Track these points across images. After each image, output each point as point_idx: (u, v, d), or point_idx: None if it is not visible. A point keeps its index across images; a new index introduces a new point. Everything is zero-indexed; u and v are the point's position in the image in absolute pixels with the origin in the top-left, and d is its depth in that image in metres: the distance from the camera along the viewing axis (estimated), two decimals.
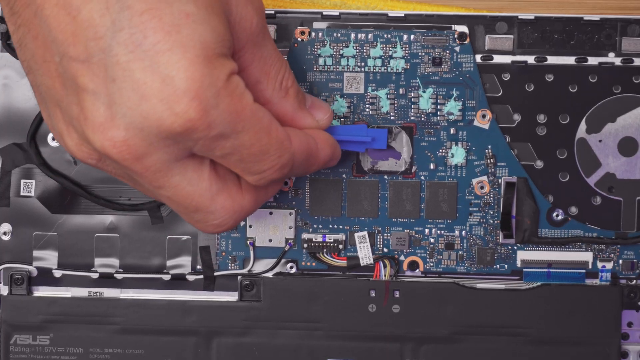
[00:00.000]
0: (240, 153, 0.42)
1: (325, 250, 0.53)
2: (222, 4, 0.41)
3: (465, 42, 0.53)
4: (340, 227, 0.53)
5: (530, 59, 0.53)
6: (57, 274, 0.54)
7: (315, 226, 0.53)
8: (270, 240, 0.53)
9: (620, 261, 0.54)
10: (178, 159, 0.41)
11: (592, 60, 0.53)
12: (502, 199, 0.53)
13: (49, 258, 0.54)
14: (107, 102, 0.39)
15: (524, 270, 0.53)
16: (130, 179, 0.43)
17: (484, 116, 0.53)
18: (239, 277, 0.53)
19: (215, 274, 0.54)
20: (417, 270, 0.54)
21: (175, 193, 0.43)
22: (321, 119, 0.47)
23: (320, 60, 0.53)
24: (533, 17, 0.53)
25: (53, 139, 0.53)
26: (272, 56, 0.45)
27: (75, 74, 0.40)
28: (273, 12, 0.53)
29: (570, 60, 0.53)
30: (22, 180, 0.54)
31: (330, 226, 0.53)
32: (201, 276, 0.54)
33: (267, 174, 0.43)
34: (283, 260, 0.54)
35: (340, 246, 0.53)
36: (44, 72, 0.41)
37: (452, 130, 0.53)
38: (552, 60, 0.53)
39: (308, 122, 0.47)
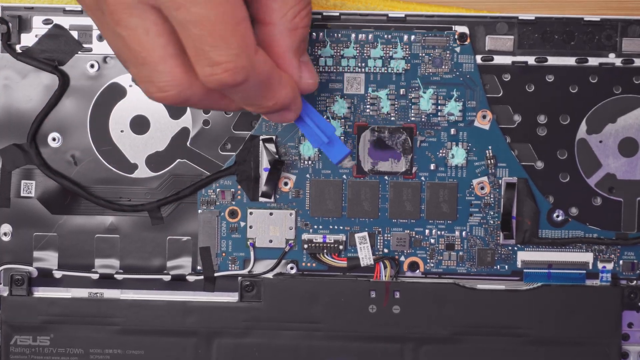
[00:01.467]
0: (201, 25, 0.40)
1: (325, 251, 0.53)
2: None
3: (466, 42, 0.53)
4: (341, 227, 0.53)
5: (531, 60, 0.53)
6: (58, 274, 0.54)
7: (315, 227, 0.53)
8: (270, 241, 0.53)
9: (621, 262, 0.53)
10: (142, 2, 0.41)
11: (593, 61, 0.53)
12: (502, 200, 0.53)
13: (49, 259, 0.54)
14: None
15: (525, 270, 0.53)
16: (97, 9, 0.42)
17: (484, 117, 0.53)
18: (239, 278, 0.53)
19: (216, 274, 0.54)
20: (418, 271, 0.54)
21: (130, 35, 0.42)
22: (304, 78, 0.46)
23: (321, 61, 0.53)
24: (533, 18, 0.53)
25: (53, 139, 0.53)
26: None
27: None
28: None
29: (570, 60, 0.53)
30: (23, 181, 0.54)
31: (331, 227, 0.53)
32: (201, 277, 0.54)
33: (218, 70, 0.41)
34: (283, 261, 0.54)
35: (341, 247, 0.53)
36: None
37: (452, 131, 0.53)
38: (552, 60, 0.53)
39: (291, 69, 0.46)
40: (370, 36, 0.53)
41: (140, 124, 0.54)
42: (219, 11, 0.40)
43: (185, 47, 0.42)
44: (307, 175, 0.53)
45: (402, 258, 0.54)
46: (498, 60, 0.53)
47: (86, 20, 0.53)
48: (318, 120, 0.49)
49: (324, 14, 0.53)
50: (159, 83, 0.43)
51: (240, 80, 0.42)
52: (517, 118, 0.53)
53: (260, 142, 0.53)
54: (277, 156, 0.53)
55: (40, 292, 0.54)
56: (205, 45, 0.41)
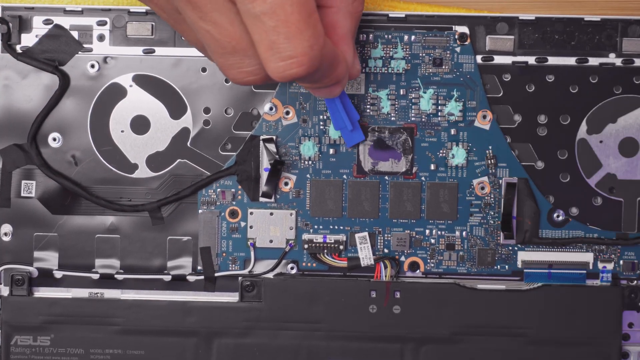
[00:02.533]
0: (275, 16, 0.40)
1: (325, 251, 0.53)
2: None
3: (466, 42, 0.53)
4: (341, 227, 0.53)
5: (531, 60, 0.53)
6: (58, 274, 0.54)
7: (316, 227, 0.53)
8: (270, 241, 0.53)
9: (621, 262, 0.54)
10: None
11: (593, 61, 0.53)
12: (502, 200, 0.53)
13: (49, 259, 0.54)
14: None
15: (525, 270, 0.53)
16: (172, 9, 0.44)
17: (484, 117, 0.53)
18: (240, 278, 0.53)
19: (216, 274, 0.54)
20: (418, 271, 0.54)
21: (216, 28, 0.42)
22: (355, 63, 0.47)
23: None
24: (534, 18, 0.53)
25: (54, 139, 0.53)
26: None
27: None
28: None
29: (571, 60, 0.53)
30: (23, 181, 0.54)
31: (331, 227, 0.53)
32: (202, 277, 0.54)
33: (292, 63, 0.42)
34: (284, 261, 0.54)
35: (341, 247, 0.53)
36: None
37: (452, 131, 0.53)
38: (552, 60, 0.53)
39: (350, 50, 0.47)
40: (370, 36, 0.53)
41: (140, 124, 0.54)
42: (294, 1, 0.40)
43: (256, 43, 0.42)
44: (308, 176, 0.53)
45: (403, 258, 0.54)
46: (498, 60, 0.53)
47: (86, 20, 0.53)
48: (347, 105, 0.50)
49: None
50: (249, 67, 0.44)
51: (311, 72, 0.42)
52: (518, 118, 0.53)
53: (261, 142, 0.53)
54: (277, 156, 0.53)
55: (41, 292, 0.54)
56: (280, 37, 0.41)
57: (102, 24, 0.53)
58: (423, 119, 0.53)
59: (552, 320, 0.53)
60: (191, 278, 0.54)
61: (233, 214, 0.54)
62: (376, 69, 0.53)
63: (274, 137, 0.53)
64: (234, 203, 0.54)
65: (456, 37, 0.53)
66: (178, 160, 0.54)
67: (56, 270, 0.54)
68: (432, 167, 0.53)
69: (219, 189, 0.54)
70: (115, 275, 0.54)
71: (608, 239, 0.53)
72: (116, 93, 0.54)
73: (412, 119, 0.53)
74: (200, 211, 0.54)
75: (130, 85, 0.53)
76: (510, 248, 0.53)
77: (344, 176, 0.53)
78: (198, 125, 0.54)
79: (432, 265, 0.54)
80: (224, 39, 0.43)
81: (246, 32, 0.42)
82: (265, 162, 0.53)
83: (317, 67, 0.42)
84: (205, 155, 0.54)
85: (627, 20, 0.53)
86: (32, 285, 0.54)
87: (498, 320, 0.53)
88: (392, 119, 0.53)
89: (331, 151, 0.53)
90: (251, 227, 0.53)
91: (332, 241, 0.53)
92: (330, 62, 0.44)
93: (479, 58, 0.53)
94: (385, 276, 0.53)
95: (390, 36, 0.53)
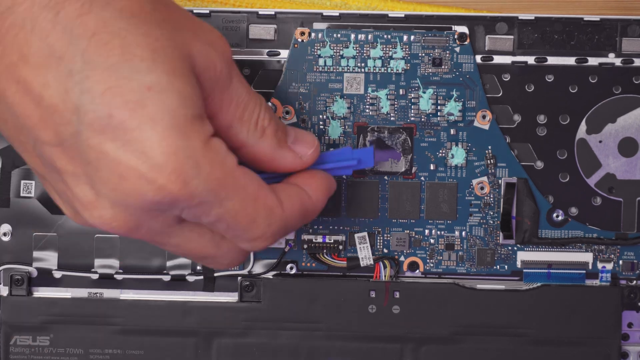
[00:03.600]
0: (226, 221, 0.41)
1: (325, 251, 0.53)
2: (185, 60, 0.40)
3: (466, 42, 0.53)
4: (340, 227, 0.53)
5: (531, 60, 0.53)
6: (57, 274, 0.54)
7: (315, 227, 0.53)
8: None
9: (621, 262, 0.53)
10: (170, 225, 0.41)
11: (592, 61, 0.53)
12: (502, 200, 0.53)
13: (49, 259, 0.54)
14: (89, 182, 0.39)
15: (524, 270, 0.53)
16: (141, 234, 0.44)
17: (484, 117, 0.53)
18: (239, 278, 0.53)
19: (215, 274, 0.54)
20: (417, 270, 0.54)
21: (179, 250, 0.43)
22: (304, 155, 0.45)
23: (321, 61, 0.53)
24: (533, 18, 0.53)
25: None
26: (243, 98, 0.43)
27: (52, 157, 0.39)
28: (273, 13, 0.53)
29: (570, 60, 0.53)
30: (22, 181, 0.54)
31: (330, 227, 0.53)
32: (201, 277, 0.54)
33: (259, 242, 0.43)
34: (283, 261, 0.54)
35: (340, 247, 0.53)
36: (23, 150, 0.41)
37: (452, 131, 0.53)
38: (552, 60, 0.53)
39: (289, 161, 0.45)
40: (369, 36, 0.53)
41: None
42: (236, 203, 0.41)
43: (221, 234, 0.43)
44: None
45: (402, 258, 0.54)
46: (498, 60, 0.53)
47: None
48: (335, 157, 0.48)
49: (324, 14, 0.53)
50: (224, 262, 0.44)
51: (281, 237, 0.44)
52: (517, 118, 0.53)
53: None
54: None
55: (40, 292, 0.54)
56: (237, 231, 0.42)
57: None
58: (422, 119, 0.53)
59: (552, 320, 0.53)
60: (190, 278, 0.54)
61: None
62: (375, 69, 0.53)
63: None
64: None
65: (455, 37, 0.53)
66: None
67: (55, 270, 0.54)
68: (432, 167, 0.53)
69: None
70: (115, 276, 0.54)
71: (607, 238, 0.53)
72: None
73: (412, 119, 0.53)
74: None
75: None
76: (509, 248, 0.53)
77: (343, 176, 0.53)
78: None
79: (432, 265, 0.54)
80: (190, 254, 0.43)
81: (208, 240, 0.43)
82: None
83: (284, 231, 0.43)
84: None
85: (626, 20, 0.53)
86: (32, 285, 0.54)
87: (497, 320, 0.53)
88: (392, 118, 0.53)
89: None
90: None
91: (332, 241, 0.53)
92: (300, 207, 0.44)
93: (478, 58, 0.53)
94: (385, 276, 0.53)
95: (389, 36, 0.53)
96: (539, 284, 0.53)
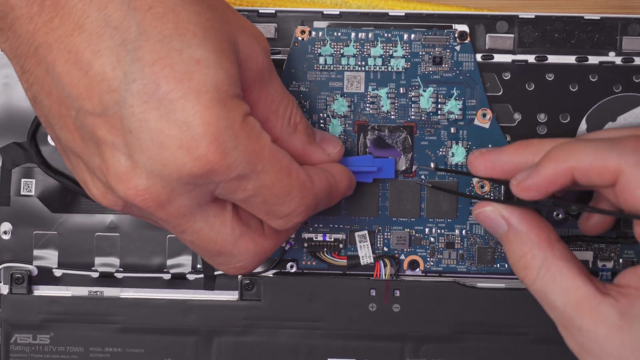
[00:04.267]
0: (262, 195, 0.42)
1: (325, 249, 0.53)
2: (231, 44, 0.42)
3: (466, 41, 0.53)
4: (341, 226, 0.53)
5: (531, 58, 0.53)
6: (58, 273, 0.54)
7: (315, 225, 0.53)
8: None
9: (621, 260, 0.54)
10: (200, 205, 0.42)
11: (593, 60, 0.53)
12: (502, 198, 0.53)
13: (49, 257, 0.54)
14: (127, 152, 0.40)
15: None
16: (155, 222, 0.44)
17: (484, 115, 0.53)
18: (239, 277, 0.53)
19: (216, 273, 0.54)
20: (418, 269, 0.54)
21: (198, 238, 0.43)
22: (332, 153, 0.48)
23: (321, 60, 0.53)
24: (533, 16, 0.53)
25: None
26: (280, 93, 0.45)
27: (93, 127, 0.40)
28: (273, 11, 0.53)
29: (570, 59, 0.53)
30: (23, 180, 0.54)
31: (331, 225, 0.53)
32: (201, 275, 0.54)
33: (292, 217, 0.43)
34: (283, 260, 0.54)
35: (341, 245, 0.53)
36: (62, 126, 0.42)
37: (452, 130, 0.53)
38: (552, 59, 0.53)
39: (319, 156, 0.47)
40: (370, 35, 0.53)
41: None
42: (272, 175, 0.42)
43: (254, 214, 0.43)
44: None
45: (402, 256, 0.54)
46: (498, 58, 0.53)
47: None
48: (357, 162, 0.51)
49: (325, 12, 0.53)
50: (237, 264, 0.45)
51: (311, 213, 0.44)
52: (517, 116, 0.53)
53: None
54: None
55: (40, 291, 0.54)
56: (273, 206, 0.43)
57: None
58: (423, 118, 0.53)
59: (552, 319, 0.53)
60: (191, 276, 0.54)
61: None
62: (376, 67, 0.53)
63: None
64: None
65: (456, 35, 0.53)
66: None
67: (56, 268, 0.54)
68: (432, 165, 0.53)
69: None
70: (115, 274, 0.54)
71: (608, 237, 0.53)
72: None
73: (412, 117, 0.53)
74: None
75: None
76: None
77: None
78: None
79: (432, 263, 0.54)
80: (207, 245, 0.44)
81: (228, 233, 0.43)
82: None
83: (315, 206, 0.44)
84: None
85: (627, 18, 0.53)
86: (32, 283, 0.54)
87: (498, 318, 0.53)
88: (392, 117, 0.53)
89: None
90: None
91: (332, 240, 0.53)
92: (326, 185, 0.46)
93: (478, 56, 0.53)
94: (385, 275, 0.53)
95: (390, 34, 0.53)
96: None
